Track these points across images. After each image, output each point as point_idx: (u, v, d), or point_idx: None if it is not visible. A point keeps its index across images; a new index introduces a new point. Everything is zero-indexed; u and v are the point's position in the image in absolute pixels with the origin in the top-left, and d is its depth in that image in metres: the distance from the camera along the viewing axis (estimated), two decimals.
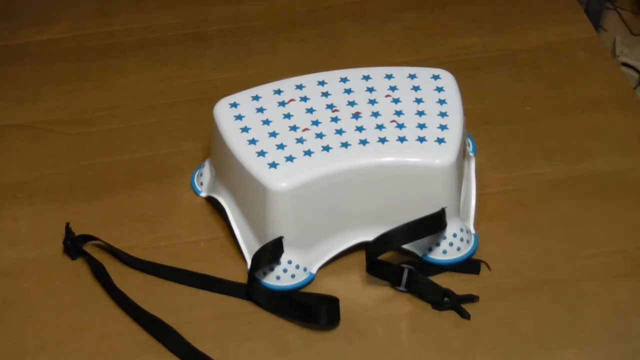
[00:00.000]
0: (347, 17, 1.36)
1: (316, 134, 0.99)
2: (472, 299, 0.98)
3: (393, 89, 1.05)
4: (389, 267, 0.99)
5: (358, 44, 1.32)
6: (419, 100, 1.03)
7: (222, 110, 1.03)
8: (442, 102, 1.03)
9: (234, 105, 1.03)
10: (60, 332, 0.97)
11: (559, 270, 1.01)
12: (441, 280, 1.00)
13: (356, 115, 1.02)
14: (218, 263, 1.03)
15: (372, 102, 1.03)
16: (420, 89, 1.05)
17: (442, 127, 1.00)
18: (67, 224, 1.05)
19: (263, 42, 1.32)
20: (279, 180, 0.95)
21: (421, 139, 0.99)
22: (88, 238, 1.05)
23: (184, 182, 1.12)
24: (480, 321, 0.97)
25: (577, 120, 1.18)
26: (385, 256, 0.99)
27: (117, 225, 1.07)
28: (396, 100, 1.03)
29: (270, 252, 0.98)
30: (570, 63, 1.27)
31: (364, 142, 0.98)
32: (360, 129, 1.00)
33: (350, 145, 0.98)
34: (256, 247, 0.99)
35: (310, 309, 0.96)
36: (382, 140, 0.98)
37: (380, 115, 1.01)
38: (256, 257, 0.98)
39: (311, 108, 1.03)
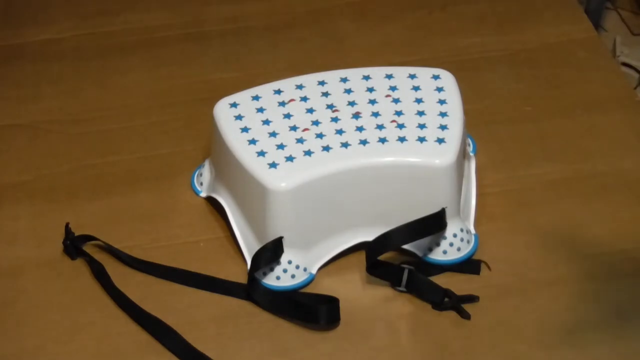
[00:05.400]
0: (347, 17, 1.36)
1: (316, 134, 0.99)
2: (472, 299, 0.98)
3: (393, 89, 1.05)
4: (389, 267, 0.99)
5: (358, 44, 1.32)
6: (419, 100, 1.03)
7: (222, 110, 1.03)
8: (442, 102, 1.03)
9: (234, 105, 1.03)
10: (60, 332, 0.97)
11: (559, 270, 1.01)
12: (441, 280, 1.00)
13: (356, 115, 1.02)
14: (218, 263, 1.03)
15: (372, 102, 1.03)
16: (420, 89, 1.05)
17: (442, 127, 1.00)
18: (67, 224, 1.05)
19: (263, 42, 1.32)
20: (279, 180, 0.95)
21: (421, 139, 0.99)
22: (88, 238, 1.05)
23: (184, 182, 1.12)
24: (480, 321, 0.97)
25: (577, 120, 1.18)
26: (385, 256, 0.99)
27: (117, 225, 1.07)
28: (396, 100, 1.03)
29: (270, 252, 0.98)
30: (570, 63, 1.27)
31: (364, 142, 0.98)
32: (360, 129, 1.00)
33: (350, 145, 0.98)
34: (256, 247, 0.99)
35: (310, 309, 0.96)
36: (382, 140, 0.98)
37: (380, 115, 1.01)
38: (256, 257, 0.98)
39: (311, 108, 1.03)
